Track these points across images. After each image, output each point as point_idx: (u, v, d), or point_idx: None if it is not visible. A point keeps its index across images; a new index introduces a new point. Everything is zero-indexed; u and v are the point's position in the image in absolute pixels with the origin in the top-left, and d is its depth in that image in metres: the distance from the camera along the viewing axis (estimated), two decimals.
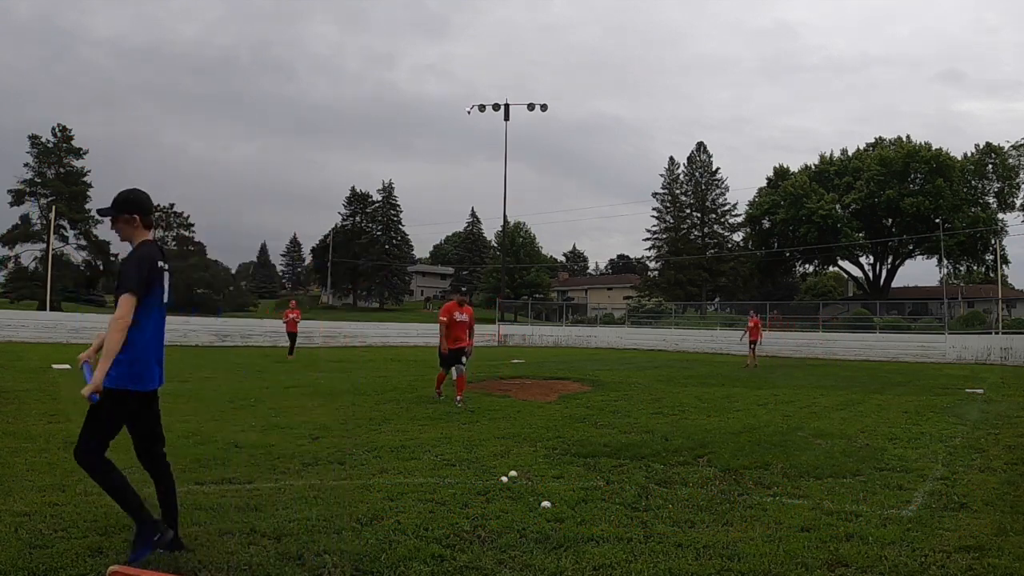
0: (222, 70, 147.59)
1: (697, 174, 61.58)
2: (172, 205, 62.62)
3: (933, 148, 51.41)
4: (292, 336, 21.03)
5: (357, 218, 75.54)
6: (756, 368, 19.79)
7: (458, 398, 9.87)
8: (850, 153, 57.47)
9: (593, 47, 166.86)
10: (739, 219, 61.31)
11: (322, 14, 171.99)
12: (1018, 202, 50.82)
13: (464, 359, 10.05)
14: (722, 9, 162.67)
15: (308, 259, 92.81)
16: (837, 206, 53.27)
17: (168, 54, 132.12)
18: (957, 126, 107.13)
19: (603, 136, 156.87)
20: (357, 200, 75.34)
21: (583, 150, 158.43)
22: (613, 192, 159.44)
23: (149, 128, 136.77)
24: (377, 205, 75.32)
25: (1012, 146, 49.96)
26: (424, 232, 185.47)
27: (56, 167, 50.55)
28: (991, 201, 52.14)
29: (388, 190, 75.66)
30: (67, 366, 14.26)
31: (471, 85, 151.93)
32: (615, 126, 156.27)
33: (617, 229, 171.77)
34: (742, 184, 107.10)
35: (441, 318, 10.17)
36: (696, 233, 61.25)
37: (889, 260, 57.04)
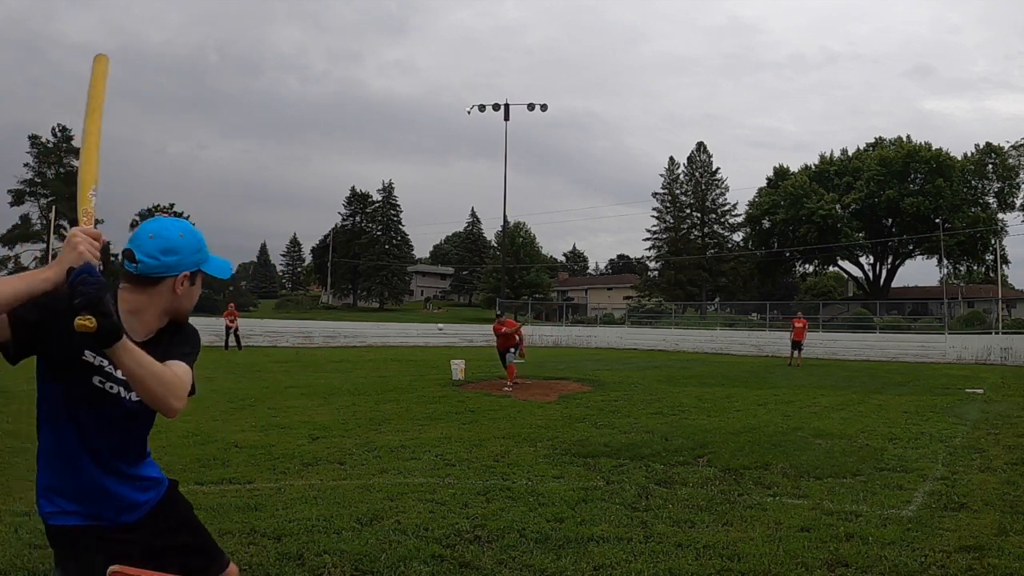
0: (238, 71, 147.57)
1: (697, 174, 61.49)
2: (172, 205, 62.57)
3: (933, 148, 51.41)
4: (228, 331, 23.16)
5: (357, 218, 75.50)
6: (799, 367, 19.94)
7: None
8: (850, 153, 57.49)
9: (550, 47, 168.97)
10: (739, 219, 61.34)
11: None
12: (1018, 202, 50.82)
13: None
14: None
15: (308, 259, 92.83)
16: (837, 206, 53.18)
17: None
18: None
19: (579, 133, 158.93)
20: (357, 200, 75.29)
21: (563, 146, 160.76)
22: (597, 190, 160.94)
23: (157, 130, 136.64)
24: (377, 205, 75.30)
25: (1012, 146, 49.97)
26: (424, 232, 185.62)
27: (56, 167, 50.51)
28: (991, 201, 52.09)
29: (388, 190, 75.61)
30: None
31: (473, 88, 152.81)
32: (591, 122, 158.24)
33: (604, 229, 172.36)
34: (740, 184, 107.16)
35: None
36: (696, 233, 61.14)
37: (889, 260, 56.96)
